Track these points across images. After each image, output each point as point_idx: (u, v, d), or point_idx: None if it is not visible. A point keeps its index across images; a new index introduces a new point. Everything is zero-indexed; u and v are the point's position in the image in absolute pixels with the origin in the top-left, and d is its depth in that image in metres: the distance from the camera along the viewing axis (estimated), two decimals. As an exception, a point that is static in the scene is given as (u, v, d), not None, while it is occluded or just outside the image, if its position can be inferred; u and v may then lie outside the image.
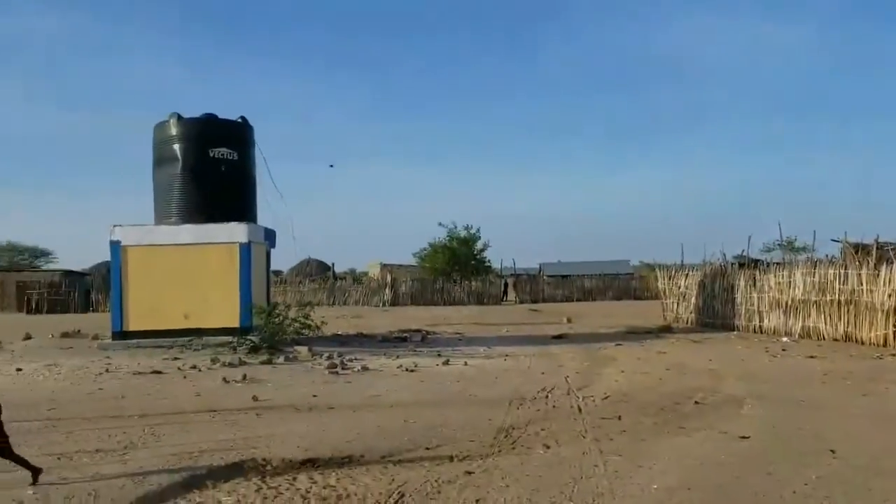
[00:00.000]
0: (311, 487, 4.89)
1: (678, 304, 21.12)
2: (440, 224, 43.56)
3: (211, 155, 14.32)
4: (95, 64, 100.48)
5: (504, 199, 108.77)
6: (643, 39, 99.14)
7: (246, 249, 13.71)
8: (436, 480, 5.01)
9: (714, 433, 6.34)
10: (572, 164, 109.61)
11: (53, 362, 11.28)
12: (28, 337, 14.95)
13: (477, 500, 4.55)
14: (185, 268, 13.59)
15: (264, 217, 15.70)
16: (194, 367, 10.96)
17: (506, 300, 43.62)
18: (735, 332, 16.96)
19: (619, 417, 7.21)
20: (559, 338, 16.76)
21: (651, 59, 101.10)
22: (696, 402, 7.94)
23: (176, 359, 11.78)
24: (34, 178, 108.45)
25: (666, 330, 17.96)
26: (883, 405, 7.73)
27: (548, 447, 6.00)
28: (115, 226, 13.69)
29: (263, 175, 15.63)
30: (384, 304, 39.19)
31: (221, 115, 14.99)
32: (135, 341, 13.30)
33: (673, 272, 21.83)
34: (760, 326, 16.66)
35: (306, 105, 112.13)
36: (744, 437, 6.11)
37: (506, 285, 46.18)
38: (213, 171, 14.32)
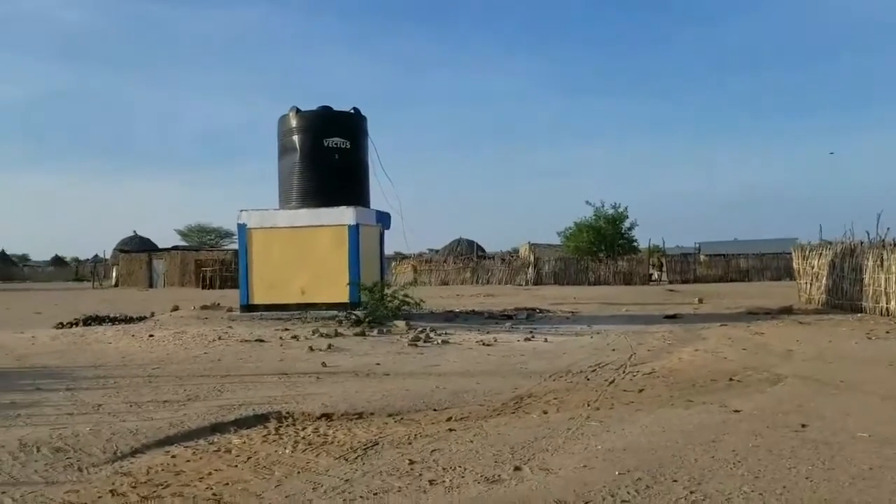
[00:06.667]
0: (307, 435, 5.74)
1: (811, 284, 20.22)
2: (587, 202, 43.43)
3: (325, 144, 15.63)
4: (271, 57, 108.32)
5: (673, 177, 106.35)
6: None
7: (354, 231, 14.89)
8: (416, 434, 5.69)
9: (714, 407, 6.54)
10: (746, 136, 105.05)
11: (183, 330, 12.94)
12: (175, 308, 17.03)
13: (433, 451, 5.18)
14: (300, 247, 15.02)
15: (379, 201, 16.87)
16: (295, 336, 12.21)
17: (654, 280, 42.91)
18: (859, 315, 16.12)
19: (641, 391, 7.52)
20: (672, 317, 16.69)
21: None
22: (731, 380, 8.04)
23: (286, 329, 13.09)
24: (225, 163, 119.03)
25: (786, 311, 17.36)
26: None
27: (545, 413, 6.49)
28: (241, 210, 15.36)
29: (375, 162, 16.77)
30: (527, 284, 39.79)
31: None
32: (259, 314, 14.89)
33: (807, 252, 20.88)
34: (887, 309, 15.73)
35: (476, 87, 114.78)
36: (736, 411, 6.30)
37: (657, 265, 45.38)
38: (327, 159, 15.63)
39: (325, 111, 16.08)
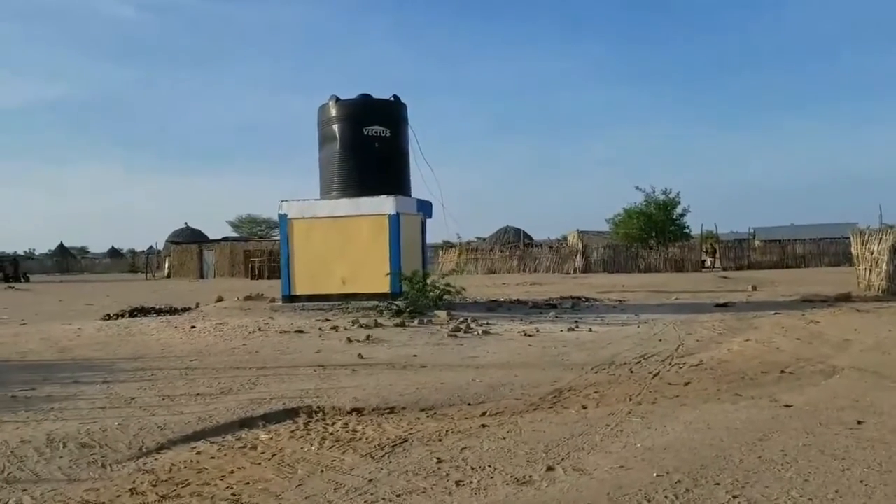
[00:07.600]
0: (336, 430, 5.58)
1: (870, 271, 19.41)
2: (637, 188, 42.69)
3: (365, 133, 15.49)
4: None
5: (728, 161, 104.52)
6: None
7: (395, 220, 14.75)
8: (447, 430, 5.49)
9: (763, 401, 6.19)
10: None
11: (224, 321, 12.94)
12: (220, 299, 17.13)
13: (462, 449, 4.97)
14: (341, 237, 14.94)
15: (420, 190, 16.71)
16: (334, 327, 12.10)
17: (707, 267, 42.00)
18: (923, 302, 15.40)
19: (687, 384, 7.19)
20: (723, 306, 16.18)
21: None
22: (783, 372, 7.65)
23: (327, 320, 13.00)
24: (273, 157, 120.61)
25: (844, 299, 16.66)
26: None
27: (584, 407, 6.21)
28: (282, 200, 15.35)
29: (415, 150, 16.59)
30: (575, 272, 39.25)
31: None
32: (300, 304, 14.86)
33: (866, 236, 20.06)
34: (953, 296, 15.02)
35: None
36: (787, 406, 5.95)
37: (710, 251, 44.47)
38: (367, 147, 15.49)
39: (365, 99, 15.95)
